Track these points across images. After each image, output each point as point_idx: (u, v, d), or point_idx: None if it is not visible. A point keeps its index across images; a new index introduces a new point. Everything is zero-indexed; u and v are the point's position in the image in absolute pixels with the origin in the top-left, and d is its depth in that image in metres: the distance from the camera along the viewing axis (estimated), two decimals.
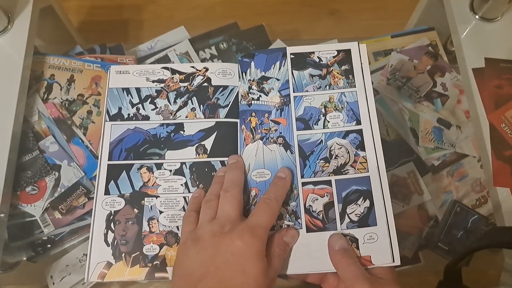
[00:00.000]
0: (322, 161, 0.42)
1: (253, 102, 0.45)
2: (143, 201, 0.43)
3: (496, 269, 0.51)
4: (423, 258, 0.55)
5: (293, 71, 0.46)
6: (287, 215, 0.40)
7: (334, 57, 0.46)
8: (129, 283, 0.54)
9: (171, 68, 0.49)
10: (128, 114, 0.46)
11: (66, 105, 0.57)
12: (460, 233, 0.54)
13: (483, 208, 0.56)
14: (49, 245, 0.53)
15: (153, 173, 0.44)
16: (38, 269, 0.53)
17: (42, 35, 0.74)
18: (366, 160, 0.41)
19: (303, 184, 0.41)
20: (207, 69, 0.48)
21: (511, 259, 0.49)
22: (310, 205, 0.40)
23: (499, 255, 0.52)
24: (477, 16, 0.57)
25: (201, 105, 0.47)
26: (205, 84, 0.48)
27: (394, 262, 0.38)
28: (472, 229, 0.54)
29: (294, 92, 0.45)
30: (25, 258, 0.53)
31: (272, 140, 0.43)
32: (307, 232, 0.39)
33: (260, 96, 0.45)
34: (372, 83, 0.45)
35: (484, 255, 0.53)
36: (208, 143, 0.45)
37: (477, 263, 0.52)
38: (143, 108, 0.47)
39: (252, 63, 0.47)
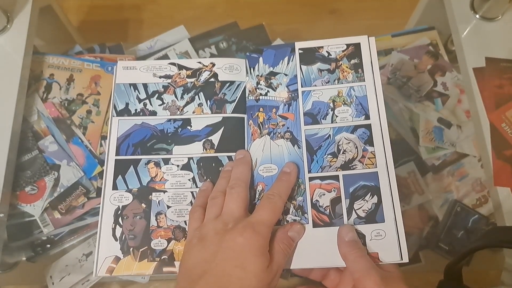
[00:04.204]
0: (329, 156, 0.42)
1: (261, 97, 0.45)
2: (150, 196, 0.43)
3: (496, 269, 0.51)
4: (423, 258, 0.55)
5: (301, 66, 0.46)
6: (294, 210, 0.40)
7: (343, 51, 0.45)
8: (129, 283, 0.54)
9: (178, 63, 0.49)
10: (135, 110, 0.46)
11: (66, 104, 0.57)
12: (461, 233, 0.54)
13: (483, 208, 0.56)
14: (48, 245, 0.53)
15: (160, 168, 0.44)
16: (37, 269, 0.53)
17: (41, 34, 0.74)
18: (375, 155, 0.41)
19: (310, 179, 0.41)
20: (214, 65, 0.48)
21: (511, 259, 0.49)
22: (317, 200, 0.40)
23: (499, 255, 0.52)
24: (477, 16, 0.57)
25: (208, 101, 0.47)
26: (212, 79, 0.48)
27: (402, 259, 0.37)
28: (472, 229, 0.54)
29: (302, 87, 0.45)
30: (24, 258, 0.53)
31: (279, 135, 0.43)
32: (313, 227, 0.39)
33: (268, 91, 0.45)
34: None
35: (484, 255, 0.53)
36: (215, 138, 0.45)
37: (477, 263, 0.52)
38: (150, 104, 0.47)
39: (261, 59, 0.47)
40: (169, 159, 0.44)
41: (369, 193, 0.40)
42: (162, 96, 0.47)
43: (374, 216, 0.39)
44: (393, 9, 1.14)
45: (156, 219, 0.42)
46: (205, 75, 0.48)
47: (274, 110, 0.44)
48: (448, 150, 0.58)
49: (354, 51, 0.45)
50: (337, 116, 0.43)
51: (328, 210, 0.40)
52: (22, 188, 0.52)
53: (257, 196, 0.41)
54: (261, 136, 0.44)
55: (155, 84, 0.48)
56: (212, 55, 0.65)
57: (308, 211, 0.40)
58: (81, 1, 1.17)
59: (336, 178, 0.41)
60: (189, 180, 0.44)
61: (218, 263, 0.34)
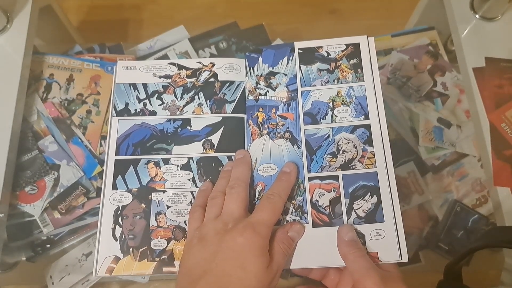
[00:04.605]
0: (329, 156, 0.42)
1: (260, 97, 0.45)
2: (150, 196, 0.43)
3: (496, 269, 0.51)
4: (423, 258, 0.55)
5: (301, 66, 0.46)
6: (294, 210, 0.40)
7: (342, 51, 0.45)
8: (129, 283, 0.54)
9: (177, 63, 0.49)
10: (135, 110, 0.46)
11: (65, 104, 0.57)
12: (461, 232, 0.54)
13: (483, 208, 0.56)
14: (48, 245, 0.53)
15: (160, 168, 0.44)
16: (37, 269, 0.53)
17: (41, 34, 0.74)
18: (374, 155, 0.41)
19: (310, 178, 0.41)
20: (213, 64, 0.48)
21: (511, 259, 0.49)
22: (316, 200, 0.40)
23: (499, 255, 0.52)
24: (477, 16, 0.57)
25: (208, 101, 0.47)
26: (212, 79, 0.48)
27: (402, 259, 0.37)
28: (472, 228, 0.54)
29: (301, 86, 0.45)
30: (24, 258, 0.53)
31: (279, 135, 0.43)
32: (313, 227, 0.39)
33: (267, 91, 0.45)
34: None
35: (484, 255, 0.53)
36: (215, 138, 0.45)
37: (477, 263, 0.52)
38: (150, 104, 0.47)
39: (260, 59, 0.47)
40: (169, 159, 0.44)
41: (369, 193, 0.40)
42: (162, 96, 0.47)
43: (373, 216, 0.39)
44: (393, 9, 1.14)
45: (156, 219, 0.42)
46: (205, 75, 0.48)
47: (273, 110, 0.44)
48: (448, 150, 0.58)
49: (354, 51, 0.45)
50: (336, 116, 0.43)
51: (327, 210, 0.40)
52: (22, 188, 0.52)
53: (257, 196, 0.41)
54: (261, 136, 0.44)
55: (155, 84, 0.48)
56: (212, 55, 0.65)
57: (307, 211, 0.40)
58: (81, 1, 1.17)
59: (335, 178, 0.41)
60: (189, 180, 0.44)
61: (218, 263, 0.34)
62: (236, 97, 0.47)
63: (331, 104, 0.44)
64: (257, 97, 0.45)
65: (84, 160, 0.54)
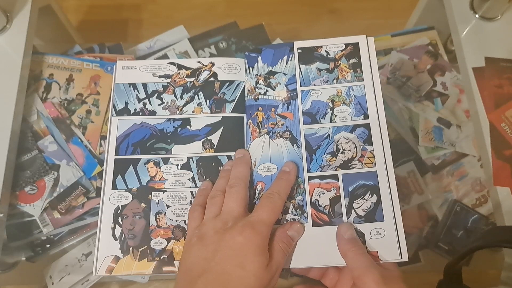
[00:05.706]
0: (329, 155, 0.42)
1: (260, 96, 0.45)
2: (150, 196, 0.43)
3: (496, 269, 0.51)
4: (423, 258, 0.55)
5: (300, 65, 0.46)
6: (293, 209, 0.40)
7: (342, 50, 0.46)
8: (128, 282, 0.54)
9: (177, 63, 0.49)
10: (135, 109, 0.46)
11: (65, 104, 0.57)
12: (460, 232, 0.54)
13: (483, 208, 0.56)
14: (48, 245, 0.53)
15: (160, 168, 0.44)
16: (37, 269, 0.53)
17: (41, 34, 0.74)
18: (374, 154, 0.41)
19: (310, 178, 0.41)
20: (213, 64, 0.48)
21: (511, 259, 0.49)
22: (316, 199, 0.40)
23: (499, 255, 0.52)
24: (477, 15, 0.57)
25: (208, 100, 0.47)
26: (212, 79, 0.48)
27: (402, 258, 0.38)
28: (472, 228, 0.54)
29: (301, 86, 0.45)
30: (24, 258, 0.53)
31: (278, 135, 0.43)
32: (313, 226, 0.39)
33: (267, 90, 0.45)
34: None
35: (484, 255, 0.53)
36: (215, 138, 0.45)
37: (477, 263, 0.52)
38: (150, 103, 0.47)
39: (259, 58, 0.47)
40: (169, 158, 0.44)
41: (368, 192, 0.40)
42: (161, 96, 0.47)
43: (373, 215, 0.39)
44: (393, 9, 1.14)
45: (156, 218, 0.42)
46: (204, 75, 0.48)
47: (273, 109, 0.44)
48: (448, 150, 0.58)
49: (353, 51, 0.45)
50: (336, 116, 0.43)
51: (327, 209, 0.40)
52: (22, 188, 0.52)
53: (256, 195, 0.41)
54: (260, 136, 0.44)
55: (155, 84, 0.48)
56: (211, 55, 0.65)
57: (307, 210, 0.40)
58: (81, 1, 1.17)
59: (335, 177, 0.41)
60: (188, 179, 0.44)
61: (217, 262, 0.35)
62: (236, 97, 0.47)
63: (330, 104, 0.44)
64: (256, 97, 0.45)
65: (84, 160, 0.54)
